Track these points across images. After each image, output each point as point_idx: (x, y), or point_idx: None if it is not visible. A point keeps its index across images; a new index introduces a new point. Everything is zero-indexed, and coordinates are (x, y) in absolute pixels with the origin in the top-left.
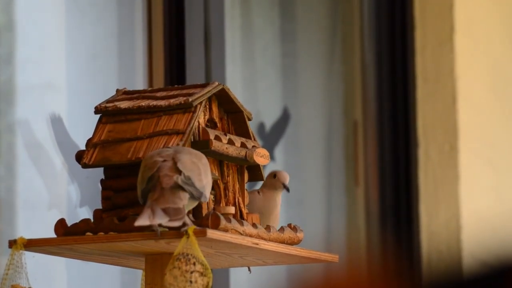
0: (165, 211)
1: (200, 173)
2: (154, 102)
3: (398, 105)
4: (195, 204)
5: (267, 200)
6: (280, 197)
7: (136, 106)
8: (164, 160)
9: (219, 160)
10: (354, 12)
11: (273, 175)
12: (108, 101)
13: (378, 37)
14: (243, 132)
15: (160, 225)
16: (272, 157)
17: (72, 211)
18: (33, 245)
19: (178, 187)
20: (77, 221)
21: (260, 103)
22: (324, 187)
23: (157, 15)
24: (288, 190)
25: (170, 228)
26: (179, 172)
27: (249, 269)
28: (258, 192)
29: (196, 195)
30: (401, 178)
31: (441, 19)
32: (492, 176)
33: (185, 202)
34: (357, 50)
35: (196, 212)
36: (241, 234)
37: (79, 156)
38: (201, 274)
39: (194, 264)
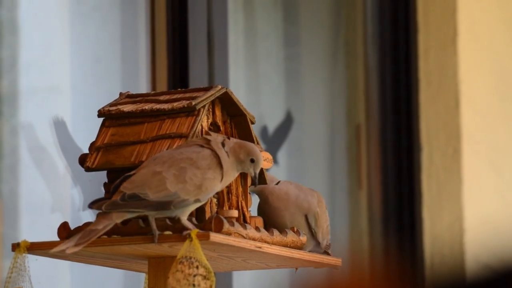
0: (84, 233)
1: (165, 182)
2: (157, 106)
3: (401, 108)
4: (190, 208)
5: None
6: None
7: (139, 109)
8: (133, 174)
9: None
10: (357, 16)
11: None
12: (111, 105)
13: (381, 41)
14: (246, 135)
15: (162, 230)
16: (275, 161)
17: (75, 214)
18: (36, 248)
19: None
20: (80, 224)
21: (263, 107)
22: (327, 191)
23: (161, 19)
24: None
25: (174, 232)
26: (120, 193)
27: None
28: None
29: (150, 208)
30: (404, 182)
31: (444, 23)
32: (495, 180)
33: (117, 220)
34: (361, 53)
35: (199, 216)
36: (244, 237)
37: (82, 160)
38: (204, 277)
39: (197, 267)
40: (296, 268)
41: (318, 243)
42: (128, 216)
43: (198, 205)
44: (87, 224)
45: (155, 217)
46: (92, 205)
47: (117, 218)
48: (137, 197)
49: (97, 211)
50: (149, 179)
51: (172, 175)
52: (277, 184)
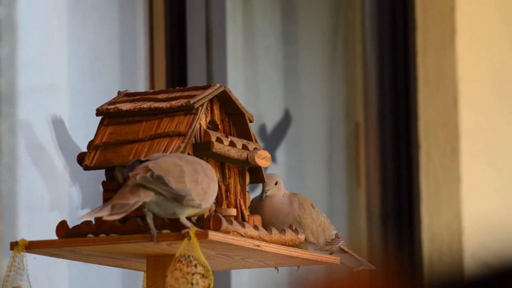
0: (114, 206)
1: (184, 176)
2: (156, 104)
3: (400, 107)
4: (189, 210)
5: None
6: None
7: (138, 108)
8: (146, 160)
9: (220, 162)
10: (356, 14)
11: None
12: (109, 103)
13: (379, 39)
14: (245, 134)
15: (159, 229)
16: (273, 159)
17: (73, 213)
18: (34, 247)
19: (138, 185)
20: (79, 223)
21: (261, 105)
22: (325, 189)
23: (159, 18)
24: None
25: (172, 230)
26: (147, 170)
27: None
28: None
29: (169, 195)
30: (402, 180)
31: (442, 21)
32: (493, 178)
33: (145, 199)
34: (359, 52)
35: None
36: (243, 236)
37: (81, 158)
38: (203, 276)
39: (195, 266)
40: (298, 267)
41: (312, 244)
42: (153, 197)
43: (197, 211)
44: (86, 223)
45: (153, 215)
46: (125, 169)
47: (145, 196)
48: (163, 180)
49: (93, 208)
50: (172, 168)
51: (189, 171)
52: (283, 195)
